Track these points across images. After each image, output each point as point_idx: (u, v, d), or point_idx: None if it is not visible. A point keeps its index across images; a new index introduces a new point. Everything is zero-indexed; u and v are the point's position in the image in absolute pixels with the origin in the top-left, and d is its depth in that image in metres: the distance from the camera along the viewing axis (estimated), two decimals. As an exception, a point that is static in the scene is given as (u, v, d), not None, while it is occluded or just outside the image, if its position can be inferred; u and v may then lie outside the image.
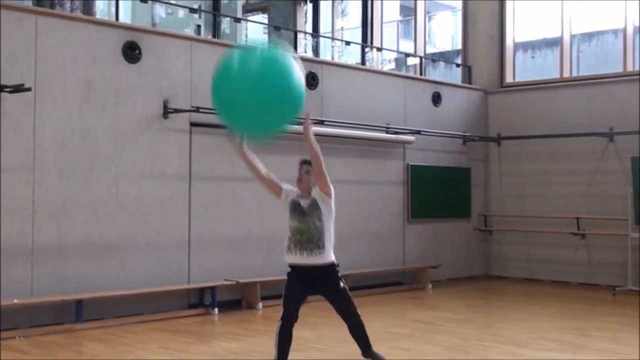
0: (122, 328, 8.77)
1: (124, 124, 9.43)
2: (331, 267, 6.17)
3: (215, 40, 11.07)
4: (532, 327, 9.28)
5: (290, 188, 6.36)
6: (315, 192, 6.23)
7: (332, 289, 6.26)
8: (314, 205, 6.17)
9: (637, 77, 12.88)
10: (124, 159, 9.43)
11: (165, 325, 9.07)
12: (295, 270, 6.17)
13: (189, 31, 13.74)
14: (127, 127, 9.47)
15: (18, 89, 8.22)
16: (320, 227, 6.08)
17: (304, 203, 6.19)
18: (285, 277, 6.28)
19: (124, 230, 9.38)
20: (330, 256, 6.14)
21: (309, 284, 6.18)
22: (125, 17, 12.73)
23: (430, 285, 12.84)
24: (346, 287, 6.33)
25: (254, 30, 15.69)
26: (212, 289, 10.00)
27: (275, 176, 6.45)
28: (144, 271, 9.56)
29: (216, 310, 9.94)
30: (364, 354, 6.47)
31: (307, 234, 6.07)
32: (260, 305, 10.39)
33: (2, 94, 8.28)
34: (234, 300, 10.45)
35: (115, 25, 9.59)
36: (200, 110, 9.87)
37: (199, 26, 11.54)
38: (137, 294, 9.31)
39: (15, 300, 8.23)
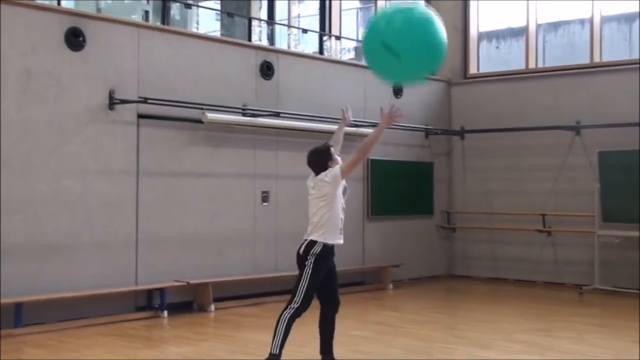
0: (65, 333, 8.68)
1: (66, 116, 9.33)
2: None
3: (165, 27, 11.00)
4: (497, 328, 9.40)
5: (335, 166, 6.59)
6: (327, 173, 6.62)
7: (334, 266, 6.66)
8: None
9: (605, 68, 13.11)
10: (67, 153, 9.33)
11: (111, 329, 9.01)
12: (330, 253, 6.48)
13: (137, 17, 13.61)
14: (70, 120, 9.37)
15: (-48, 78, 8.09)
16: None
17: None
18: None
19: (67, 229, 9.29)
20: None
21: (330, 266, 6.56)
22: (68, 2, 12.57)
23: (391, 286, 12.93)
24: None
25: (205, 17, 15.58)
26: (162, 290, 9.95)
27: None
28: (89, 272, 9.47)
29: (166, 313, 9.89)
30: (325, 357, 6.55)
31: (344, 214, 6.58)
32: (213, 307, 10.36)
33: None
34: (184, 302, 10.42)
35: (57, 10, 9.48)
36: (149, 101, 9.82)
37: (147, 12, 11.43)
38: (82, 296, 9.23)
39: (-50, 304, 8.10)
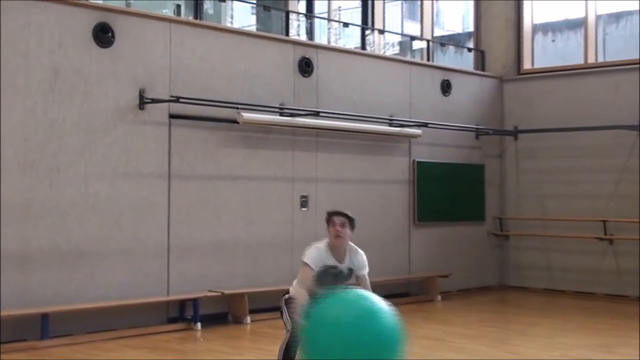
0: (93, 345, 8.77)
1: (94, 116, 9.43)
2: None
3: (197, 21, 11.08)
4: (553, 343, 9.31)
5: (316, 254, 6.03)
6: (356, 260, 6.16)
7: None
8: (349, 273, 6.12)
9: (671, 62, 12.94)
10: (95, 155, 9.42)
11: (141, 342, 9.07)
12: None
13: (168, 12, 13.74)
14: (99, 120, 9.47)
15: (-24, 76, 8.23)
16: None
17: (341, 266, 6.08)
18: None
19: (95, 236, 9.38)
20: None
21: None
22: (95, -4, 12.71)
23: (439, 297, 12.87)
24: None
25: (240, 10, 15.68)
26: (195, 301, 10.01)
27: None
28: (118, 281, 9.56)
29: (199, 325, 9.95)
30: None
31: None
32: (249, 319, 10.40)
33: (-42, 82, 8.28)
34: (218, 313, 10.47)
35: (84, 5, 9.58)
36: (181, 100, 9.88)
37: (178, 6, 11.53)
38: (110, 306, 9.32)
39: (-27, 315, 8.23)
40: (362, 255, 6.18)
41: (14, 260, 8.71)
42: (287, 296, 6.23)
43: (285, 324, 6.19)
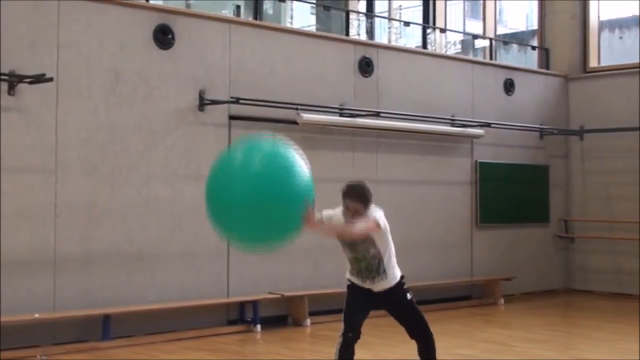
0: (153, 347, 8.88)
1: (155, 118, 9.56)
2: (398, 285, 6.18)
3: (257, 22, 11.15)
4: (621, 349, 9.16)
5: (330, 214, 6.17)
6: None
7: (398, 302, 6.26)
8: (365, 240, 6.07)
9: None
10: (156, 157, 9.55)
11: (201, 343, 9.15)
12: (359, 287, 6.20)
13: (227, 12, 13.87)
14: (159, 121, 9.59)
15: (39, 79, 8.39)
16: (377, 254, 6.05)
17: None
18: (343, 289, 6.31)
19: (155, 237, 9.50)
20: (395, 277, 6.16)
21: (373, 298, 6.20)
22: (156, -2, 12.89)
23: (502, 300, 12.76)
24: (414, 301, 6.28)
25: (300, 10, 15.74)
26: (254, 303, 10.07)
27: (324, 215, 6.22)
28: (178, 283, 9.67)
29: (259, 327, 10.01)
30: None
31: (365, 262, 6.08)
32: (308, 321, 10.43)
33: (21, 85, 8.46)
34: (278, 315, 10.52)
35: (145, 6, 9.72)
36: (241, 101, 9.96)
37: (238, 7, 11.63)
38: (170, 308, 9.43)
39: (37, 315, 8.39)
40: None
41: (76, 261, 8.87)
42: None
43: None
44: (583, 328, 11.18)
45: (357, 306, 6.18)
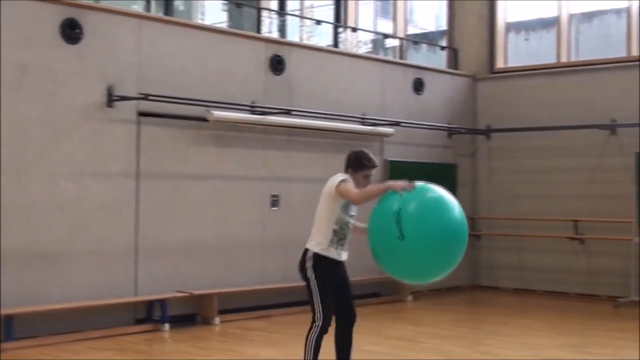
0: (59, 347, 8.70)
1: (61, 114, 9.35)
2: None
3: (168, 18, 11.02)
4: (526, 344, 9.36)
5: (348, 178, 6.36)
6: None
7: (347, 277, 6.62)
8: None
9: (643, 62, 13.04)
10: (62, 153, 9.35)
11: (108, 343, 9.02)
12: (334, 264, 6.40)
13: (138, 7, 13.64)
14: (66, 118, 9.39)
15: (-61, 73, 8.13)
16: None
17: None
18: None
19: (61, 236, 9.31)
20: None
21: (339, 271, 6.50)
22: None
23: (410, 297, 12.89)
24: None
25: (212, 7, 15.59)
26: (163, 301, 9.96)
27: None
28: (85, 282, 9.49)
29: (167, 326, 9.91)
30: None
31: (348, 229, 6.43)
32: (218, 320, 10.36)
33: None
34: (187, 314, 10.42)
35: (52, 0, 9.50)
36: (150, 98, 9.83)
37: (148, 2, 11.43)
38: (77, 307, 9.25)
39: (-64, 316, 8.14)
40: None
41: (-22, 260, 8.63)
42: (310, 262, 6.36)
43: (314, 312, 6.27)
44: (489, 324, 11.38)
45: (331, 292, 6.35)
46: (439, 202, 5.86)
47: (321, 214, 6.37)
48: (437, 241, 5.69)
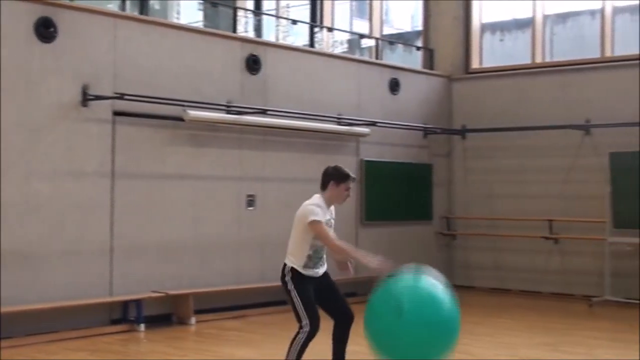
0: (34, 348, 8.63)
1: (36, 113, 9.28)
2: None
3: (143, 17, 10.95)
4: (501, 343, 9.40)
5: (318, 209, 6.49)
6: (333, 211, 6.78)
7: (331, 282, 6.74)
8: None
9: (616, 63, 13.12)
10: (37, 153, 9.27)
11: (84, 344, 8.96)
12: (312, 277, 6.55)
13: (113, 7, 13.57)
14: (40, 117, 9.32)
15: None
16: None
17: (331, 219, 6.69)
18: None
19: (36, 236, 9.23)
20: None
21: (317, 283, 6.60)
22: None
23: (386, 297, 12.88)
24: None
25: (187, 7, 15.55)
26: (138, 302, 9.91)
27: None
28: (60, 282, 9.42)
29: (143, 326, 9.86)
30: None
31: (322, 252, 6.60)
32: (193, 320, 10.33)
33: None
34: (163, 314, 10.38)
35: (26, -2, 9.43)
36: (125, 97, 9.77)
37: (124, 1, 11.37)
38: (52, 308, 9.18)
39: None
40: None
41: (-49, 261, 8.55)
42: (289, 275, 6.49)
43: (299, 317, 6.36)
44: (465, 323, 11.25)
45: (313, 297, 6.47)
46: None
47: (294, 239, 6.53)
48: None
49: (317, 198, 6.57)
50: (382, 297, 6.12)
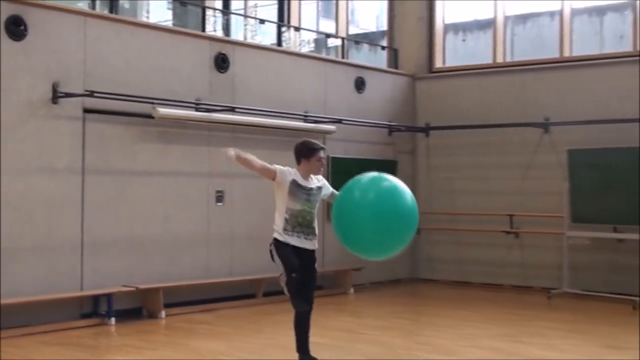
0: (5, 342, 8.54)
1: (6, 110, 9.21)
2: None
3: (113, 16, 10.91)
4: (463, 334, 9.48)
5: (286, 168, 6.99)
6: (321, 179, 7.15)
7: (313, 264, 7.05)
8: (319, 191, 7.04)
9: (575, 63, 13.28)
10: (7, 150, 9.20)
11: (54, 338, 8.91)
12: (293, 248, 6.85)
13: (83, 5, 13.49)
14: (10, 114, 9.25)
15: None
16: (315, 213, 7.00)
17: (308, 185, 6.95)
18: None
19: (7, 231, 9.16)
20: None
21: (301, 257, 6.89)
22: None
23: (352, 290, 12.97)
24: None
25: (157, 6, 15.50)
26: (109, 296, 9.87)
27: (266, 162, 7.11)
28: (31, 277, 9.37)
29: (113, 320, 9.82)
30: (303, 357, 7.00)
31: (310, 216, 6.91)
32: (164, 313, 10.31)
33: None
34: (133, 308, 10.34)
35: (-4, -3, 9.36)
36: (95, 94, 9.73)
37: (93, 0, 11.32)
38: (22, 302, 9.12)
39: None
40: (321, 177, 7.16)
41: None
42: (272, 245, 6.92)
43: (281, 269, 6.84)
44: (428, 315, 11.50)
45: (291, 255, 6.80)
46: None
47: (276, 206, 6.92)
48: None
49: (293, 169, 7.00)
50: (347, 191, 6.65)
